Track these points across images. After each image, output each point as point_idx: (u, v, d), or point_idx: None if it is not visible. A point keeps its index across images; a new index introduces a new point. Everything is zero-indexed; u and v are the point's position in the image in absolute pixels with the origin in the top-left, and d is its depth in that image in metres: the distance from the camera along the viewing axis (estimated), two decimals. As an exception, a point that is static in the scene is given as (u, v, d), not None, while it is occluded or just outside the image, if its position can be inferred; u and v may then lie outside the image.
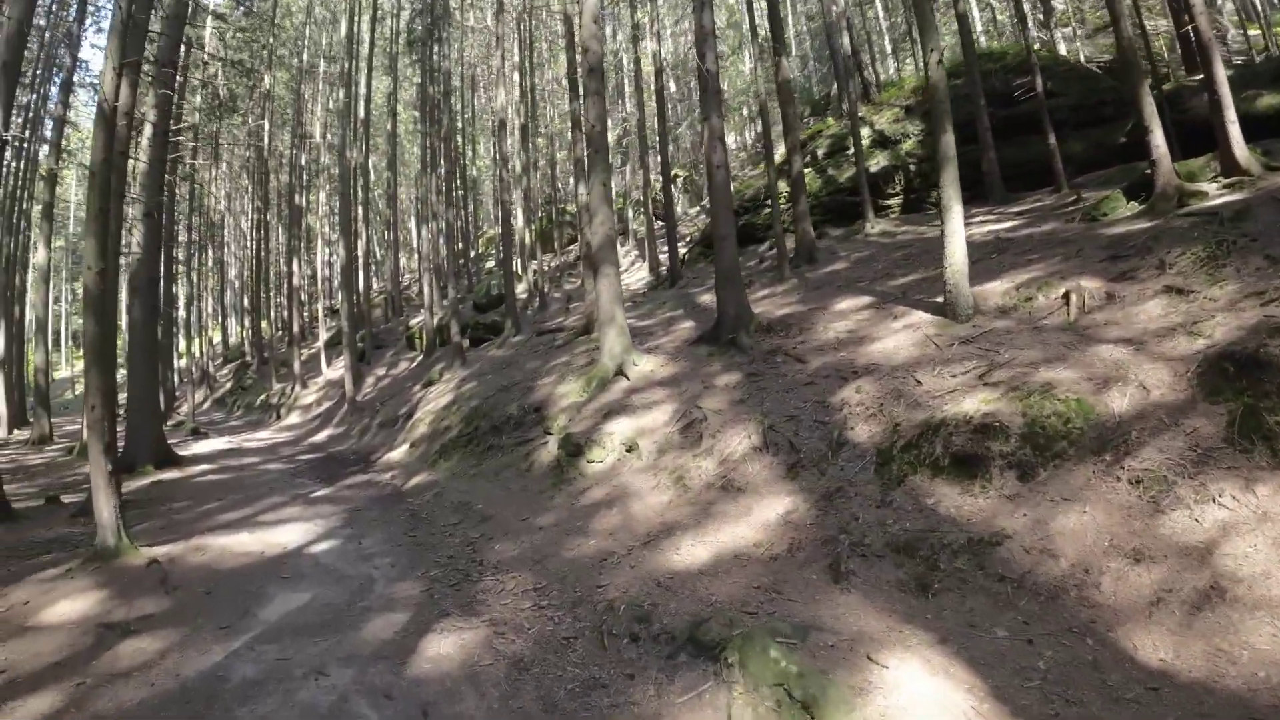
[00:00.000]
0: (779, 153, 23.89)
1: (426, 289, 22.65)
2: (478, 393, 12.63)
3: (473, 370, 15.58)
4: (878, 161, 17.95)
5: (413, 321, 27.57)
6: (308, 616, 5.06)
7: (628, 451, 7.71)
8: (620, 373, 9.63)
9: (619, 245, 27.83)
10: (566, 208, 34.43)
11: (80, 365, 15.02)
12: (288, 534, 7.57)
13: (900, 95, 20.04)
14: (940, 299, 8.65)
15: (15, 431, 20.38)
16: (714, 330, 10.21)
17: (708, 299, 14.65)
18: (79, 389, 14.92)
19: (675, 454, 7.33)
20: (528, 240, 24.37)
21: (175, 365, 35.67)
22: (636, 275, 23.91)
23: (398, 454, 12.59)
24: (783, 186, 18.20)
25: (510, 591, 5.33)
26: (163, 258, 23.79)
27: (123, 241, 15.44)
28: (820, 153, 19.34)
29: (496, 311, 22.12)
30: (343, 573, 6.09)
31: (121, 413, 13.34)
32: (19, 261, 24.38)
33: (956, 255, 8.13)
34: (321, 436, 17.70)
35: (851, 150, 18.85)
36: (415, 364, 21.74)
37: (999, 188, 15.51)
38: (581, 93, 10.74)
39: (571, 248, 32.40)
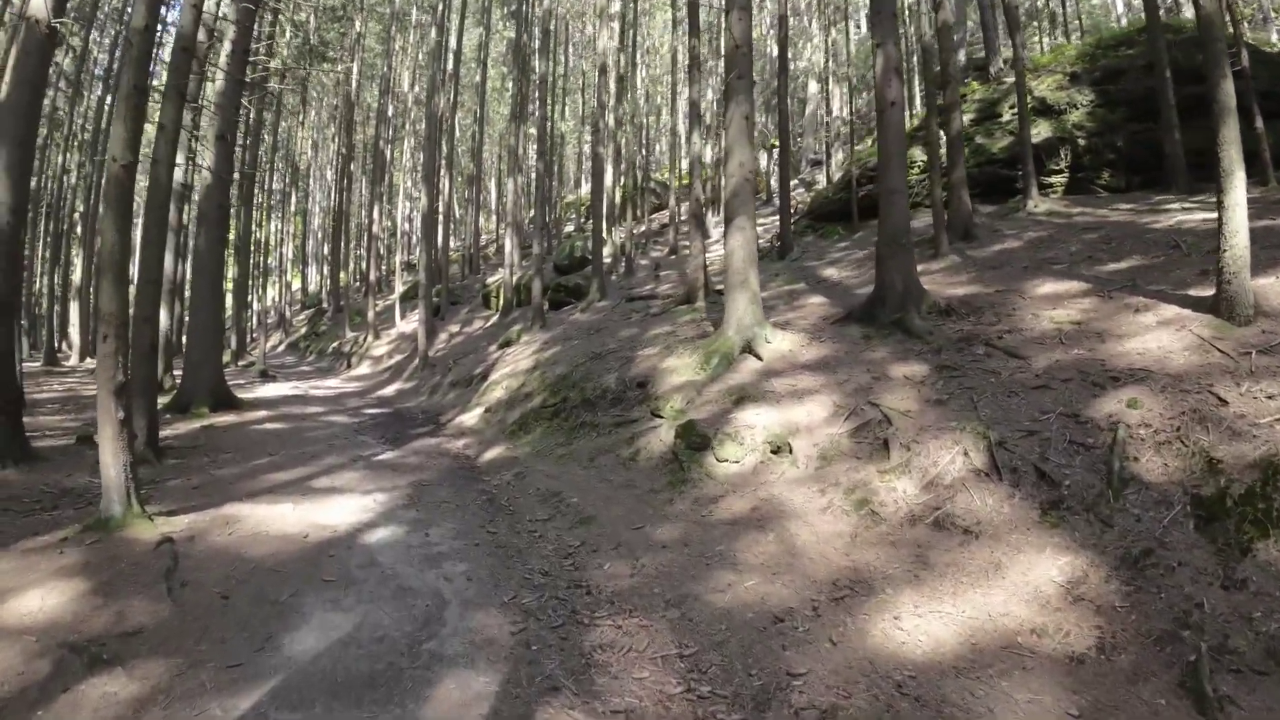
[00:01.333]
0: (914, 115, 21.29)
1: (508, 244, 21.21)
2: (564, 359, 11.01)
3: (555, 334, 14.01)
4: (1038, 132, 15.29)
5: (490, 280, 26.33)
6: (351, 660, 3.45)
7: (774, 453, 5.87)
8: (749, 350, 7.76)
9: (708, 215, 25.85)
10: (652, 174, 32.55)
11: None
12: (340, 510, 6.10)
13: (1062, 61, 17.23)
14: (1197, 292, 6.48)
15: (87, 360, 20.10)
16: (868, 307, 8.20)
17: (832, 273, 12.65)
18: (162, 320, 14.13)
19: (848, 465, 5.44)
20: (617, 200, 22.61)
21: (253, 307, 35.80)
22: (731, 247, 21.91)
23: (471, 418, 11.13)
24: (917, 154, 15.84)
25: (643, 654, 3.59)
26: (244, 194, 23.26)
27: (188, 168, 14.44)
28: (967, 119, 16.75)
29: (579, 274, 20.52)
30: (404, 582, 4.50)
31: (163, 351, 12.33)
32: (101, 191, 24.28)
33: (1239, 237, 5.85)
34: (390, 390, 16.55)
35: (1005, 118, 16.32)
36: (490, 323, 20.44)
37: (1184, 175, 12.89)
38: (725, 6, 8.77)
39: (656, 216, 30.58)
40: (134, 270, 6.73)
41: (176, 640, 3.54)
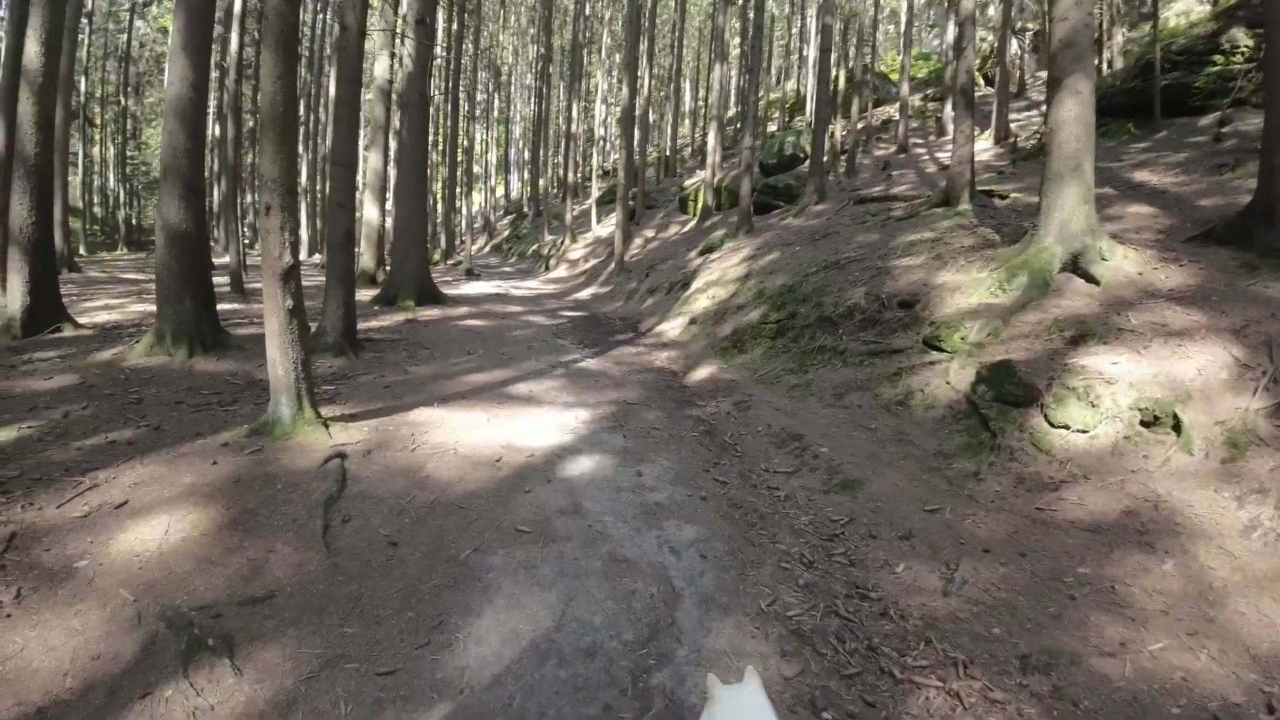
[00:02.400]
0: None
1: (710, 140, 19.35)
2: (784, 267, 9.29)
3: (766, 239, 12.23)
4: None
5: (687, 183, 24.77)
6: (549, 690, 2.30)
7: (1146, 425, 3.87)
8: (1076, 268, 5.54)
9: (944, 107, 21.79)
10: (870, 65, 28.29)
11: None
12: (538, 426, 5.15)
13: None
14: None
15: (315, 255, 21.78)
16: (1242, 224, 5.57)
17: (1146, 178, 9.54)
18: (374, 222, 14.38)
19: (1276, 461, 3.35)
20: (841, 88, 19.60)
21: (462, 211, 37.57)
22: (977, 145, 18.15)
23: (672, 328, 9.94)
24: (1240, 37, 11.53)
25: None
26: (451, 99, 23.44)
27: (391, 64, 14.05)
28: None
29: (790, 174, 18.23)
30: (616, 548, 3.33)
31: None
32: (318, 100, 25.95)
33: None
34: (585, 294, 15.94)
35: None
36: (688, 228, 19.02)
37: None
38: None
39: (879, 111, 26.73)
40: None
41: (317, 614, 2.61)
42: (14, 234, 6.01)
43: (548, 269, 23.12)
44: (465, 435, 4.82)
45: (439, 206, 32.06)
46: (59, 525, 3.17)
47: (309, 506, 3.34)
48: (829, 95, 15.88)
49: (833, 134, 19.24)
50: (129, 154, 30.82)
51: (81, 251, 23.84)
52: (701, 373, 7.38)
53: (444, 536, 3.31)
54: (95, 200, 32.13)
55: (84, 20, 23.53)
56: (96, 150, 31.78)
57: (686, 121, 41.67)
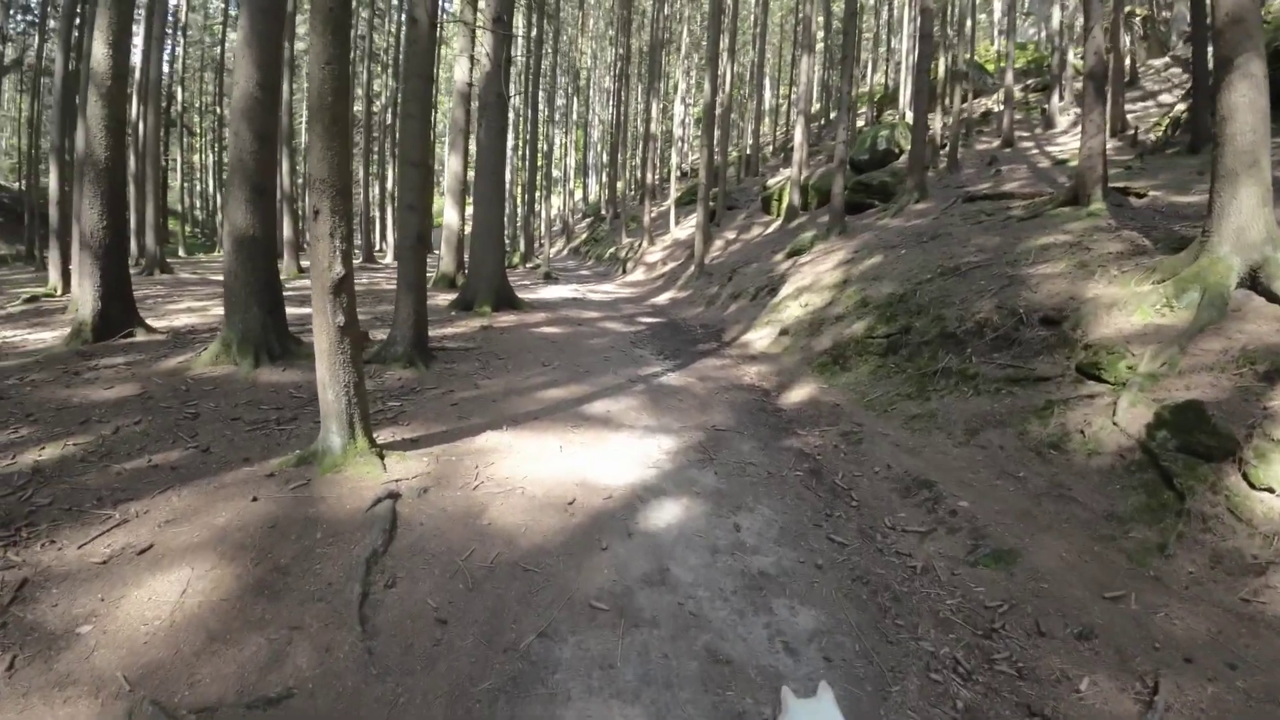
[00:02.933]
0: None
1: (797, 136, 18.35)
2: (890, 273, 8.36)
3: (862, 241, 11.25)
4: None
5: (770, 182, 23.76)
6: None
7: None
8: (1255, 284, 4.47)
9: (1054, 96, 19.95)
10: (971, 55, 26.43)
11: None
12: (616, 457, 4.55)
13: None
14: None
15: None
16: None
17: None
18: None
19: None
20: (938, 77, 18.21)
21: (541, 215, 37.75)
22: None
23: (760, 339, 9.17)
24: None
25: None
26: (530, 102, 23.31)
27: (471, 66, 13.80)
28: None
29: (885, 171, 17.00)
30: (718, 642, 2.65)
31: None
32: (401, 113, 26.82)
33: None
34: (664, 298, 15.32)
35: None
36: (771, 229, 18.09)
37: None
38: None
39: (975, 103, 24.93)
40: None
41: (343, 732, 2.07)
42: (84, 238, 5.92)
43: (625, 272, 22.66)
44: (535, 468, 4.26)
45: (519, 210, 32.22)
46: (75, 572, 2.79)
47: (348, 566, 2.83)
48: (928, 84, 14.62)
49: (930, 127, 17.88)
50: (226, 160, 32.59)
51: (180, 253, 25.15)
52: (798, 393, 6.60)
53: (503, 612, 2.73)
54: (196, 204, 34.08)
55: (179, 33, 24.77)
56: (196, 157, 33.71)
57: (767, 119, 40.53)
